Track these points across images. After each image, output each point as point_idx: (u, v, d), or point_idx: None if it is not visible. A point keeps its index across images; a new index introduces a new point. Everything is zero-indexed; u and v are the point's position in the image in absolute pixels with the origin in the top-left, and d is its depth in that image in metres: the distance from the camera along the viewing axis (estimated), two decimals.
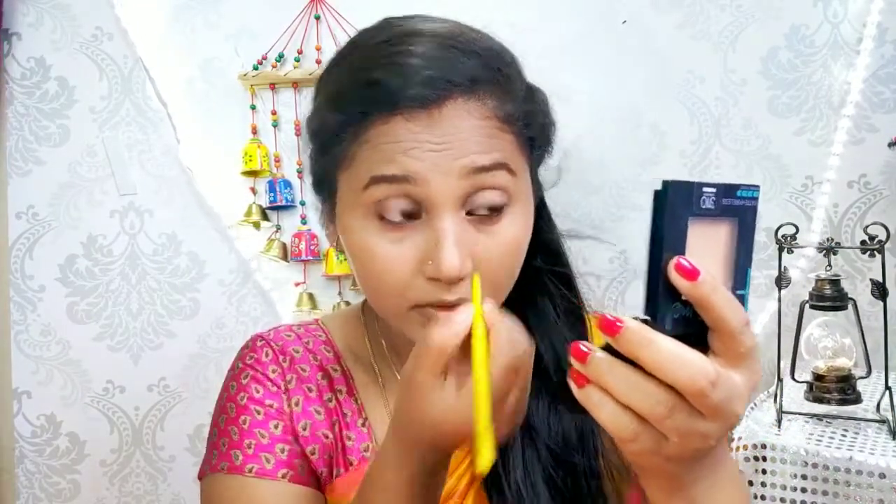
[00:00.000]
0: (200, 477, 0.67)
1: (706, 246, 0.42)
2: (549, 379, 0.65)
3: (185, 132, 1.52)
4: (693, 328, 0.42)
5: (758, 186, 0.43)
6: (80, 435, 1.59)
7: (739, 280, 0.44)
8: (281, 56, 1.46)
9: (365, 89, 0.56)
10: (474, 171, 0.55)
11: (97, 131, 1.53)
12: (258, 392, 0.67)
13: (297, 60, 1.46)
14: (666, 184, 0.42)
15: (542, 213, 0.73)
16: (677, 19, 1.37)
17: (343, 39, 1.46)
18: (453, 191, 0.55)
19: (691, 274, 0.40)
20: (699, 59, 1.37)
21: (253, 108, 1.49)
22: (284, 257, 1.52)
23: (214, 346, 1.53)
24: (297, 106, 1.48)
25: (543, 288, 0.70)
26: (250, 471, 0.63)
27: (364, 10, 1.44)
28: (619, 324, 0.40)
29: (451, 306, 0.55)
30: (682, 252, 0.42)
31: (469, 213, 0.57)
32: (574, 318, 0.70)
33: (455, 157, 0.55)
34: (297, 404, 0.66)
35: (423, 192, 0.55)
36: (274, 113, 1.49)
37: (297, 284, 1.53)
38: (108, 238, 1.53)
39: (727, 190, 0.42)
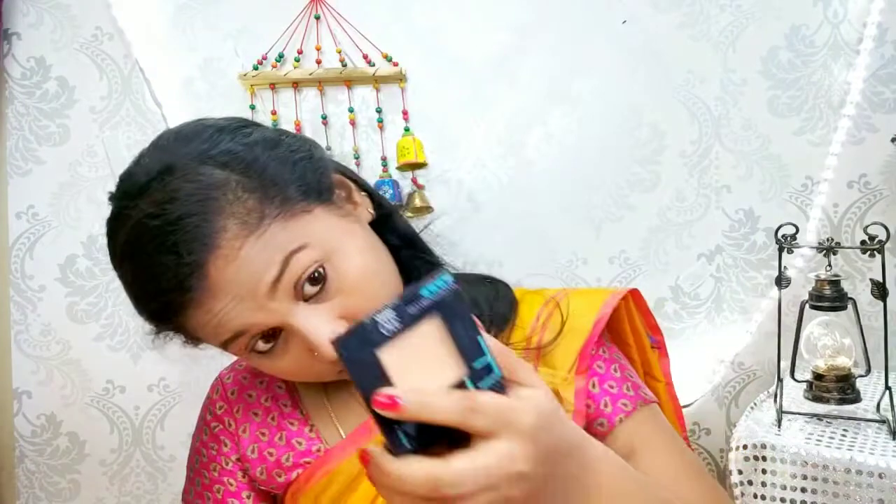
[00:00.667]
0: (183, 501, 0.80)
1: (415, 354, 0.44)
2: None
3: None
4: (437, 428, 0.44)
5: (448, 277, 0.45)
6: (80, 435, 1.59)
7: (472, 353, 0.45)
8: (281, 56, 1.46)
9: (144, 310, 0.64)
10: (273, 285, 0.59)
11: (97, 131, 1.53)
12: (214, 450, 0.78)
13: (297, 60, 1.46)
14: (335, 343, 0.44)
15: (386, 221, 0.75)
16: (677, 19, 1.37)
17: (343, 39, 1.46)
18: (277, 306, 0.60)
19: (392, 406, 0.43)
20: (699, 59, 1.37)
21: (253, 108, 1.49)
22: None
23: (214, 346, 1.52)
24: (297, 106, 1.48)
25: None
26: None
27: (364, 10, 1.45)
28: (366, 457, 0.46)
29: None
30: (387, 383, 0.44)
31: (307, 299, 0.61)
32: None
33: (249, 294, 0.59)
34: (244, 431, 0.77)
35: (260, 328, 0.61)
36: (274, 113, 1.49)
37: None
38: None
39: (410, 299, 0.44)
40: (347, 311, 0.61)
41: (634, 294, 0.81)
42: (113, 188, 0.65)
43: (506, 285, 0.81)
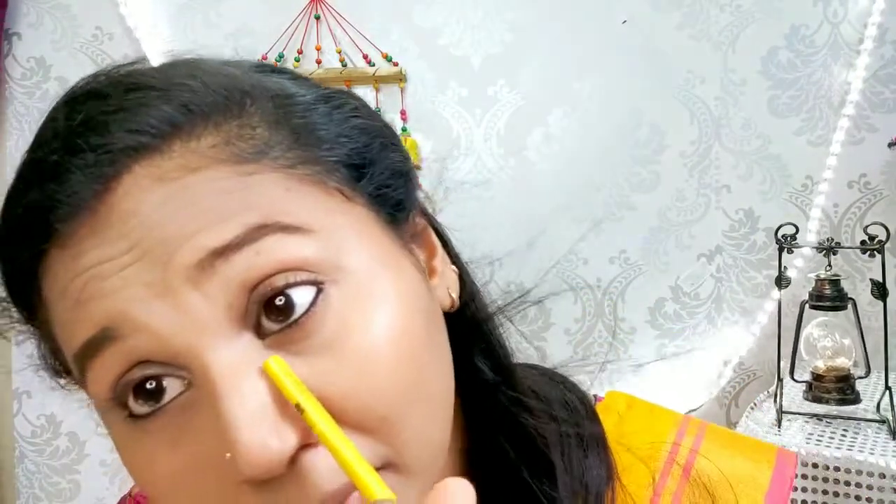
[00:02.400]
0: None
1: None
2: None
3: None
4: None
5: None
6: (80, 435, 1.59)
7: None
8: (281, 56, 1.46)
9: (12, 230, 0.33)
10: (209, 261, 0.30)
11: None
12: None
13: (297, 60, 1.46)
14: None
15: (462, 308, 0.41)
16: (677, 19, 1.37)
17: (343, 39, 1.46)
18: (195, 311, 0.30)
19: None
20: (699, 59, 1.37)
21: None
22: None
23: None
24: None
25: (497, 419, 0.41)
26: None
27: (364, 10, 1.45)
28: None
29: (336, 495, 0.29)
30: None
31: (263, 335, 0.31)
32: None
33: (162, 256, 0.30)
34: None
35: (147, 342, 0.30)
36: None
37: None
38: None
39: None
40: (328, 401, 0.30)
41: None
42: None
43: (580, 404, 0.46)
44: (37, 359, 0.42)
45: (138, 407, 0.31)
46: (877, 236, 0.97)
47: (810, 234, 1.34)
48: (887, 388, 0.99)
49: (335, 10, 1.45)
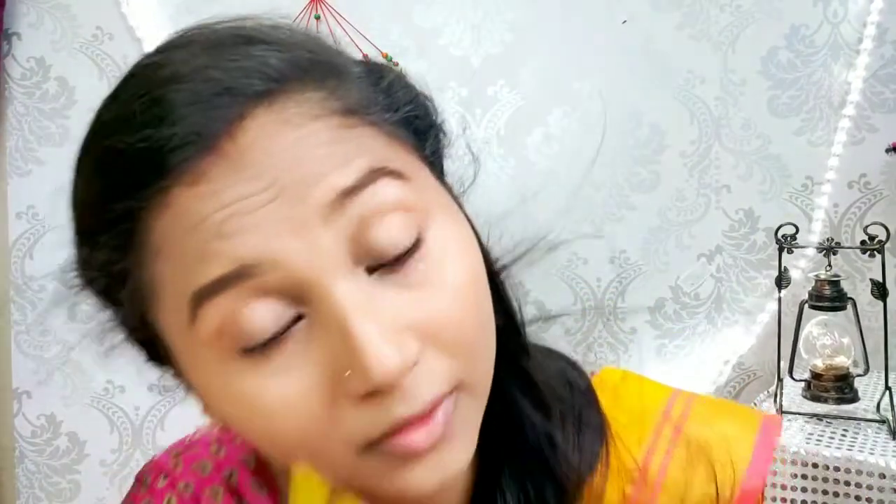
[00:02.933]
0: None
1: None
2: None
3: None
4: None
5: None
6: (80, 435, 1.59)
7: None
8: None
9: (116, 171, 0.35)
10: (339, 200, 0.33)
11: None
12: None
13: None
14: None
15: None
16: (677, 19, 1.37)
17: (343, 39, 1.46)
18: (325, 247, 0.33)
19: None
20: (699, 59, 1.37)
21: None
22: None
23: None
24: None
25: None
26: None
27: (364, 10, 1.45)
28: None
29: (425, 416, 0.35)
30: None
31: (371, 270, 0.35)
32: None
33: (299, 194, 0.33)
34: None
35: (279, 277, 0.33)
36: None
37: None
38: None
39: None
40: (428, 325, 0.35)
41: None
42: None
43: (578, 375, 0.51)
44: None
45: (256, 338, 0.34)
46: (877, 236, 0.97)
47: (811, 235, 1.34)
48: (887, 387, 0.99)
49: (335, 10, 1.45)
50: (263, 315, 0.33)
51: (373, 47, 1.44)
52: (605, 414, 0.49)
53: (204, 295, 0.33)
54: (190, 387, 0.41)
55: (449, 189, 0.43)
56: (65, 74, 1.54)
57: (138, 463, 1.58)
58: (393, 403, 0.34)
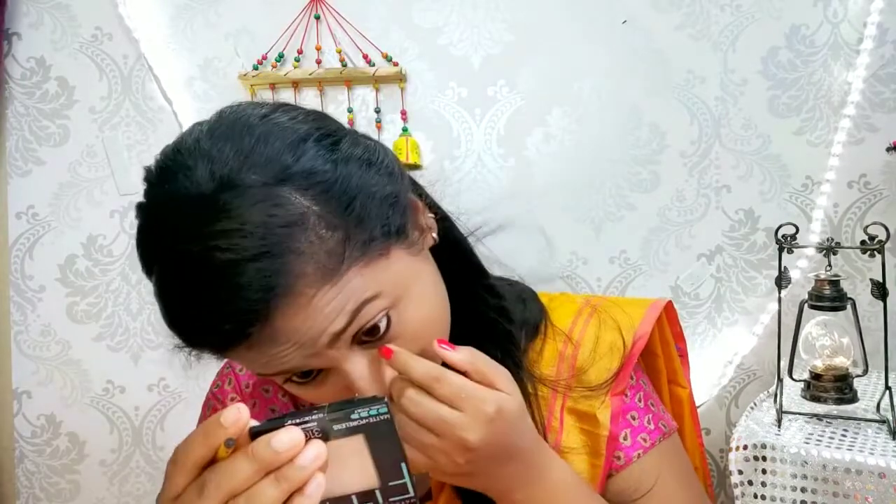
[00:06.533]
0: None
1: (333, 458, 0.47)
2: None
3: None
4: None
5: (384, 407, 0.48)
6: (80, 435, 1.59)
7: (390, 474, 0.49)
8: (281, 56, 1.46)
9: (184, 336, 0.55)
10: (338, 335, 0.54)
11: (97, 131, 1.53)
12: None
13: (297, 60, 1.46)
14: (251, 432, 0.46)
15: (455, 251, 0.70)
16: (677, 19, 1.37)
17: (343, 39, 1.46)
18: (333, 356, 0.55)
19: (387, 353, 0.56)
20: (699, 59, 1.37)
21: None
22: None
23: None
24: None
25: (484, 325, 0.70)
26: None
27: (364, 10, 1.45)
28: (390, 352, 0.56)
29: None
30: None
31: (362, 346, 0.56)
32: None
33: (313, 342, 0.53)
34: None
35: (308, 367, 0.56)
36: None
37: None
38: (109, 238, 1.53)
39: (338, 418, 0.47)
40: (398, 366, 0.58)
41: (668, 305, 0.79)
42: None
43: (530, 290, 0.78)
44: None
45: (299, 379, 0.58)
46: (877, 236, 0.97)
47: (811, 235, 1.34)
48: (887, 388, 0.99)
49: (335, 10, 1.45)
50: (296, 377, 0.58)
51: (373, 47, 1.45)
52: (545, 305, 0.76)
53: (261, 375, 0.58)
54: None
55: (414, 241, 0.60)
56: (65, 74, 1.54)
57: (138, 463, 1.58)
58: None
